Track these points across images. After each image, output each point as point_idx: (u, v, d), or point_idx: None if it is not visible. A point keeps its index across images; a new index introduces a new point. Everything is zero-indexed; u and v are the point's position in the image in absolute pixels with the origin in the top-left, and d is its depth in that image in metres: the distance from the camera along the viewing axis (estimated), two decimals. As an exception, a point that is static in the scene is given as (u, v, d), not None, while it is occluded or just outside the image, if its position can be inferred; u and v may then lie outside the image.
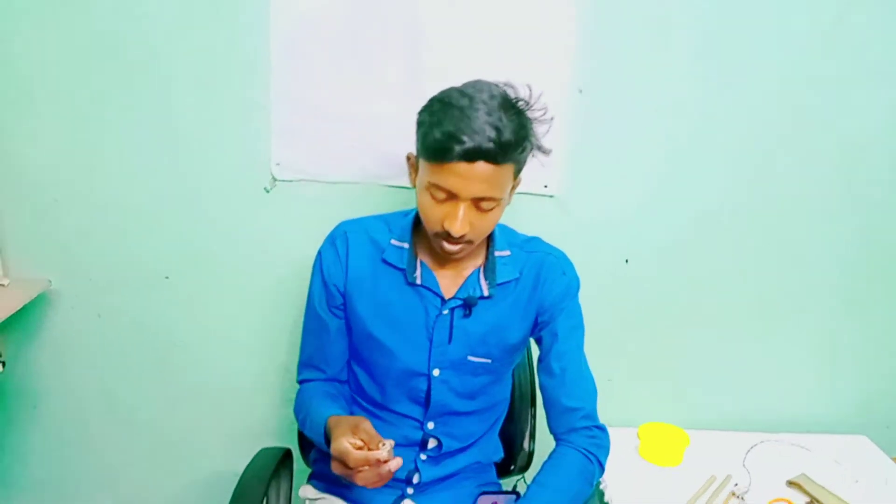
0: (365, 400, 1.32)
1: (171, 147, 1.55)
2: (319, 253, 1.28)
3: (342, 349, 1.30)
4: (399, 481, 1.29)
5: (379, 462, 1.03)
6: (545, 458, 1.25)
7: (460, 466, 1.32)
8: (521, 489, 1.42)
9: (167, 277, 1.65)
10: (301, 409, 1.28)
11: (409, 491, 1.30)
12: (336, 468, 1.06)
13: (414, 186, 1.19)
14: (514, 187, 1.17)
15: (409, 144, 1.20)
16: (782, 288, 1.73)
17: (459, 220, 1.09)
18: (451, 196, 1.09)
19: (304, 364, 1.34)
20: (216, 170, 1.57)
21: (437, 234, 1.14)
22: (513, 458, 1.48)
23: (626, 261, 1.68)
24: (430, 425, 1.28)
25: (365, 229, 1.27)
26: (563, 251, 1.31)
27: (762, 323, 1.75)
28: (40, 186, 1.58)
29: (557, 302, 1.26)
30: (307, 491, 1.38)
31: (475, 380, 1.28)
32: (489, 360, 1.26)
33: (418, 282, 1.23)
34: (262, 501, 1.27)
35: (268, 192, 1.58)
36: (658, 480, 1.58)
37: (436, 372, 1.24)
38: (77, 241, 1.62)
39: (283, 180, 1.58)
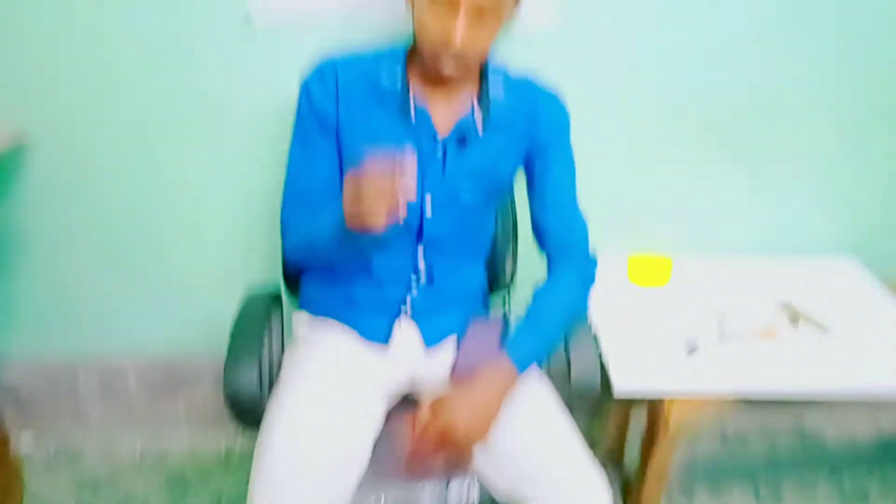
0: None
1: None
2: (306, 84, 1.21)
3: (334, 181, 1.24)
4: (393, 307, 1.31)
5: (392, 172, 0.98)
6: (527, 280, 1.30)
7: (450, 293, 1.34)
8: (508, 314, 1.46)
9: (146, 121, 1.58)
10: (301, 231, 1.24)
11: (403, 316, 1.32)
12: (347, 200, 1.03)
13: (411, 9, 1.14)
14: (515, 5, 1.13)
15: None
16: (776, 111, 1.67)
17: (459, 29, 1.06)
18: (452, 5, 1.06)
19: (291, 201, 1.28)
20: (190, 5, 1.47)
21: (434, 51, 1.10)
22: (496, 281, 1.51)
23: (619, 94, 1.62)
24: (421, 259, 1.28)
25: (354, 62, 1.21)
26: (555, 89, 1.28)
27: (755, 147, 1.71)
28: (11, 33, 1.49)
29: (551, 136, 1.27)
30: (301, 318, 1.39)
31: (465, 214, 1.27)
32: (480, 195, 1.27)
33: (412, 117, 1.19)
34: (262, 343, 1.30)
35: (244, 28, 1.46)
36: (645, 302, 1.62)
37: (428, 206, 1.23)
38: (51, 86, 1.55)
39: (261, 14, 1.46)
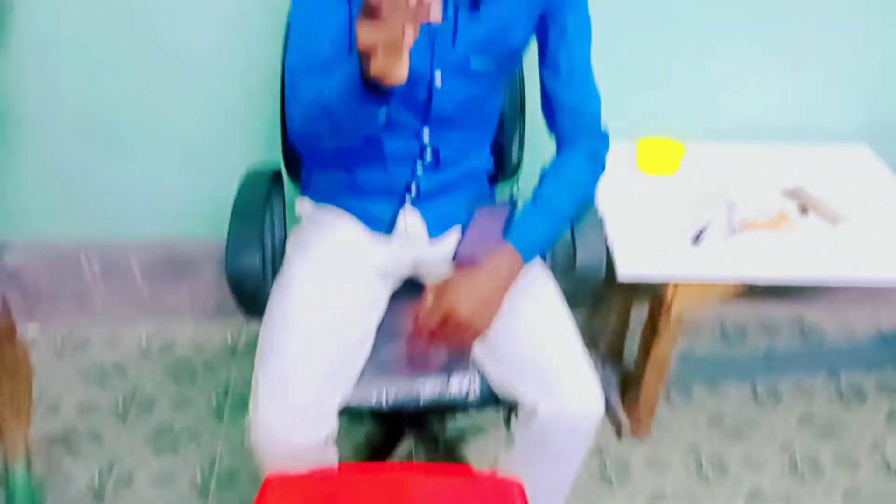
0: None
1: None
2: None
3: (344, 39, 1.16)
4: (398, 192, 1.29)
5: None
6: (534, 167, 1.26)
7: (456, 176, 1.31)
8: (516, 199, 1.44)
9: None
10: (310, 96, 1.11)
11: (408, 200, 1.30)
12: (361, 47, 0.89)
13: None
14: None
15: None
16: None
17: None
18: None
19: (298, 65, 1.18)
20: None
21: None
22: (502, 167, 1.48)
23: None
24: (427, 135, 1.24)
25: None
26: None
27: (767, 28, 1.64)
28: None
29: (560, 2, 1.19)
30: (304, 204, 1.37)
31: (475, 87, 1.22)
32: (491, 66, 1.21)
33: None
34: (264, 222, 1.28)
35: None
36: (653, 190, 1.59)
37: (437, 78, 1.18)
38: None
39: None
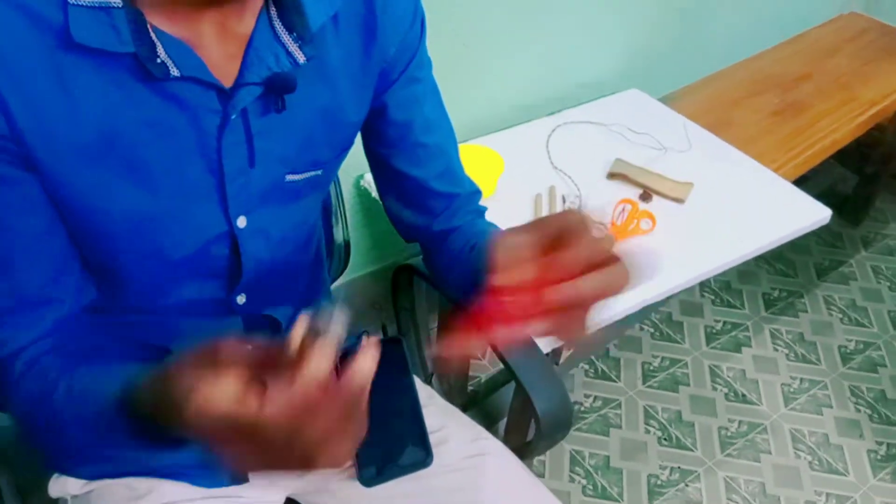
0: (128, 315, 0.72)
1: None
2: None
3: (61, 244, 0.64)
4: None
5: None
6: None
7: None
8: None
9: None
10: (35, 411, 0.63)
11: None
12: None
13: None
14: None
15: None
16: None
17: None
18: None
19: None
20: None
21: None
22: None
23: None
24: (242, 300, 0.74)
25: None
26: None
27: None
28: None
29: (408, 43, 0.74)
30: (66, 485, 0.80)
31: (299, 205, 0.74)
32: (319, 170, 0.72)
33: (172, 70, 0.56)
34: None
35: None
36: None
37: (241, 222, 0.68)
38: None
39: None
